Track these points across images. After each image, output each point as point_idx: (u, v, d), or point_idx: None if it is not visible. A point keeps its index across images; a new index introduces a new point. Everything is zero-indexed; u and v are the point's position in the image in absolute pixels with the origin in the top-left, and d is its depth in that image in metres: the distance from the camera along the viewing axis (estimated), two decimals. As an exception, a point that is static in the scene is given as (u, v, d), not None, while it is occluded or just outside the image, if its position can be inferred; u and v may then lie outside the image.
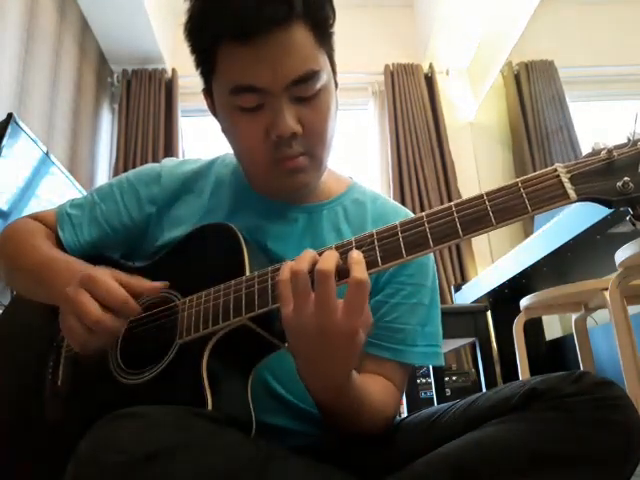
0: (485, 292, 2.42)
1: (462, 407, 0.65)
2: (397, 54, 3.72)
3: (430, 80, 3.67)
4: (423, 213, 0.57)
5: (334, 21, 0.72)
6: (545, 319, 2.86)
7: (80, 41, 3.01)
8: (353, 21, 3.64)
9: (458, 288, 2.78)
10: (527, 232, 2.53)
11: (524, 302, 1.87)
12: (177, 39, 3.42)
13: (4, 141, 1.76)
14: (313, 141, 0.71)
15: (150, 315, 0.69)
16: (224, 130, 0.77)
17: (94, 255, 0.82)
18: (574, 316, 1.94)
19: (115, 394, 0.66)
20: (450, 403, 0.68)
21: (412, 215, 0.84)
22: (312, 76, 0.68)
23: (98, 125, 3.29)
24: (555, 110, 3.54)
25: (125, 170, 2.92)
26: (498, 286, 2.27)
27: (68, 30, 2.84)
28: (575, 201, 0.52)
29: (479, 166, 3.56)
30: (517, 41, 3.20)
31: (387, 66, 3.64)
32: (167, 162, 0.88)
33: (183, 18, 0.70)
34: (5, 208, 1.85)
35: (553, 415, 0.55)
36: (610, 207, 0.52)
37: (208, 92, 0.76)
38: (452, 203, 0.56)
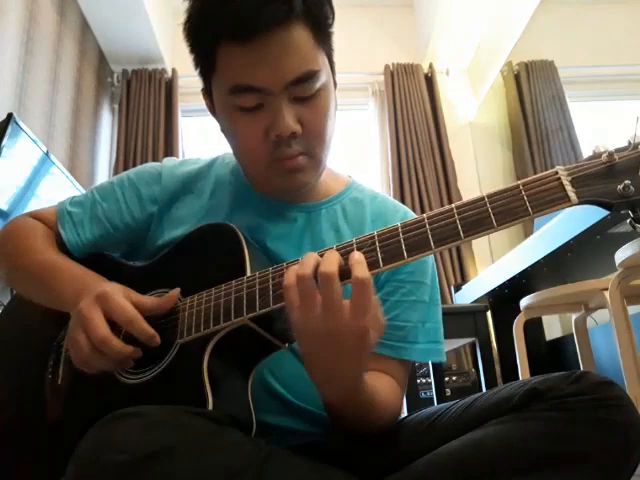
0: (485, 292, 2.42)
1: (462, 407, 0.65)
2: (397, 54, 3.71)
3: (430, 80, 3.67)
4: (424, 215, 0.57)
5: (333, 21, 0.72)
6: (545, 319, 2.86)
7: (80, 41, 3.01)
8: (353, 21, 3.65)
9: (458, 288, 2.79)
10: (527, 232, 2.52)
11: (524, 302, 1.87)
12: (177, 39, 3.42)
13: (4, 141, 1.76)
14: (312, 141, 0.71)
15: (150, 316, 0.69)
16: (223, 130, 0.77)
17: (95, 254, 0.82)
18: (574, 316, 1.94)
19: (115, 394, 0.66)
20: (450, 403, 0.68)
21: (411, 213, 0.85)
22: (312, 76, 0.68)
23: (98, 125, 3.28)
24: (555, 110, 3.54)
25: (125, 170, 2.92)
26: (498, 286, 2.27)
27: (68, 30, 2.84)
28: (576, 204, 0.52)
29: (479, 166, 3.56)
30: (517, 41, 3.20)
31: (387, 66, 3.64)
32: (167, 162, 0.88)
33: (183, 18, 0.71)
34: (5, 208, 1.85)
35: (553, 415, 0.55)
36: (611, 210, 0.53)
37: (207, 92, 0.76)
38: (453, 205, 0.56)
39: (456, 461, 0.56)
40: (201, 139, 3.71)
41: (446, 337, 0.81)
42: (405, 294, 0.77)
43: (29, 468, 0.70)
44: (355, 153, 3.76)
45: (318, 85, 0.69)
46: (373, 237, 0.58)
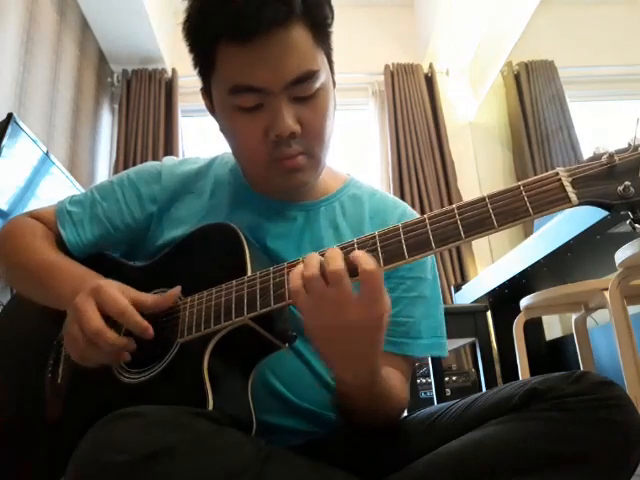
0: (485, 292, 2.42)
1: (462, 407, 0.65)
2: (397, 54, 3.71)
3: (430, 80, 3.67)
4: (425, 215, 0.58)
5: (332, 21, 0.72)
6: (545, 319, 2.86)
7: (80, 41, 3.01)
8: (353, 21, 3.64)
9: (458, 288, 2.78)
10: (527, 232, 2.52)
11: (524, 302, 1.87)
12: (177, 39, 3.40)
13: (4, 141, 1.76)
14: (312, 140, 0.72)
15: (151, 314, 0.69)
16: (222, 129, 0.77)
17: (95, 254, 0.82)
18: (574, 316, 1.94)
19: (115, 393, 0.66)
20: (450, 403, 0.68)
21: (410, 209, 0.86)
22: (311, 76, 0.68)
23: (98, 125, 3.28)
24: (555, 110, 3.54)
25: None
26: (498, 286, 2.27)
27: (68, 30, 2.84)
28: (576, 205, 0.53)
29: (479, 166, 3.56)
30: (517, 41, 3.19)
31: (387, 66, 3.64)
32: (167, 161, 0.88)
33: (183, 17, 0.71)
34: (5, 208, 1.85)
35: (553, 415, 0.55)
36: (611, 211, 0.53)
37: (206, 91, 0.76)
38: (454, 205, 0.56)
39: (456, 461, 0.56)
40: (201, 139, 3.71)
41: (446, 337, 0.82)
42: (406, 290, 0.78)
43: (29, 468, 0.70)
44: (355, 153, 3.76)
45: (317, 85, 0.69)
46: (374, 237, 0.58)
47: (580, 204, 0.53)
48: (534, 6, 2.97)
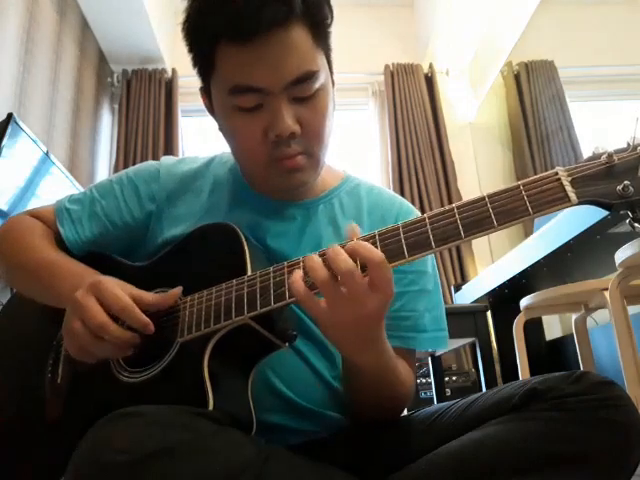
0: (485, 292, 2.42)
1: (462, 407, 0.65)
2: (397, 54, 3.71)
3: (430, 80, 3.67)
4: (425, 215, 0.58)
5: (332, 21, 0.72)
6: (545, 319, 2.86)
7: (80, 41, 3.01)
8: (353, 21, 3.64)
9: (458, 288, 2.78)
10: (527, 232, 2.52)
11: (524, 302, 1.88)
12: (177, 39, 3.40)
13: (4, 141, 1.76)
14: (311, 140, 0.72)
15: (151, 313, 0.69)
16: (221, 129, 0.77)
17: (95, 254, 0.82)
18: (574, 316, 1.94)
19: (115, 393, 0.66)
20: (450, 402, 0.68)
21: (407, 203, 0.86)
22: (311, 76, 0.68)
23: (98, 125, 3.28)
24: (555, 110, 3.54)
25: (125, 170, 2.90)
26: (498, 286, 2.27)
27: (68, 30, 2.84)
28: (576, 204, 0.53)
29: (479, 166, 3.56)
30: (517, 41, 3.19)
31: (387, 66, 3.64)
32: (165, 160, 0.88)
33: (183, 17, 0.71)
34: (5, 208, 1.85)
35: (553, 415, 0.55)
36: (610, 210, 0.53)
37: (206, 91, 0.76)
38: (454, 205, 0.57)
39: (456, 461, 0.56)
40: (201, 139, 3.71)
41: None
42: (408, 284, 0.78)
43: (29, 468, 0.70)
44: (355, 153, 3.76)
45: (317, 85, 0.70)
46: (374, 236, 0.58)
47: (579, 203, 0.53)
48: (534, 6, 2.97)
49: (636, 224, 0.52)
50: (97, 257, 0.81)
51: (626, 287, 1.41)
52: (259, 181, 0.81)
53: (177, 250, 0.75)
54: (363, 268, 0.55)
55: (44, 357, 0.75)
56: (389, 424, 0.72)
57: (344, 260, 0.54)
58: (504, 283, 2.21)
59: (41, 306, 0.75)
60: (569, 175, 0.54)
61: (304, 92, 0.69)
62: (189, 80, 3.34)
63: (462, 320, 1.98)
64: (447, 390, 2.55)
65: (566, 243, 1.68)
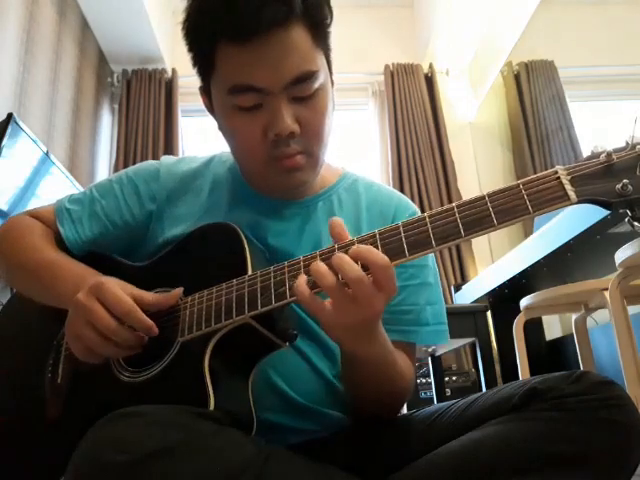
0: (485, 292, 2.42)
1: (462, 407, 0.65)
2: (397, 54, 3.71)
3: (430, 80, 3.67)
4: (425, 214, 0.58)
5: (331, 21, 0.72)
6: (545, 319, 2.86)
7: (80, 41, 3.01)
8: (353, 21, 3.64)
9: (458, 288, 2.78)
10: (527, 232, 2.52)
11: (524, 302, 1.87)
12: (177, 39, 3.40)
13: (4, 141, 1.76)
14: (310, 140, 0.72)
15: (152, 313, 0.69)
16: (221, 128, 0.77)
17: (95, 254, 0.82)
18: (574, 316, 1.94)
19: (116, 392, 0.66)
20: (450, 403, 0.68)
21: (405, 199, 0.87)
22: (310, 76, 0.68)
23: (98, 125, 3.28)
24: (555, 110, 3.54)
25: (125, 170, 2.91)
26: (498, 286, 2.27)
27: (68, 30, 2.84)
28: (575, 203, 0.53)
29: (479, 166, 3.56)
30: (517, 41, 3.19)
31: (387, 66, 3.64)
32: (165, 160, 0.89)
33: (182, 17, 0.71)
34: (5, 208, 1.85)
35: (553, 415, 0.55)
36: (609, 209, 0.53)
37: (205, 90, 0.76)
38: (454, 204, 0.57)
39: (456, 461, 0.57)
40: (201, 139, 3.71)
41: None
42: (408, 278, 0.78)
43: (29, 468, 0.70)
44: (355, 153, 3.76)
45: (316, 85, 0.70)
46: (374, 235, 0.58)
47: (579, 202, 0.53)
48: (534, 6, 2.97)
49: (635, 222, 0.52)
50: (97, 257, 0.81)
51: (626, 287, 1.41)
52: (258, 180, 0.81)
53: (177, 250, 0.75)
54: (365, 267, 0.55)
55: (44, 357, 0.75)
56: (389, 424, 0.72)
57: (350, 267, 0.55)
58: (504, 283, 2.21)
59: (41, 306, 0.75)
60: (568, 174, 0.54)
61: (303, 92, 0.69)
62: (189, 80, 3.34)
63: (462, 320, 1.98)
64: (447, 390, 2.55)
65: (566, 243, 1.68)
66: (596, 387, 0.56)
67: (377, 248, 0.57)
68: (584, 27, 3.50)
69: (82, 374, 0.70)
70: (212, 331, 0.63)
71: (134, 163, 3.18)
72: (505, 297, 2.39)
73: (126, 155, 3.26)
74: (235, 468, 0.49)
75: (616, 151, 0.54)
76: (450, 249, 3.23)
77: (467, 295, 2.62)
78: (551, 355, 2.79)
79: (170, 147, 3.33)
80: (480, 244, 3.24)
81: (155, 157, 3.23)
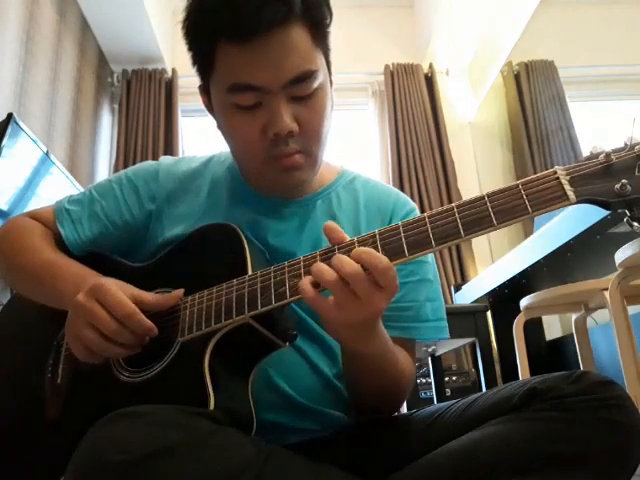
0: (485, 292, 2.42)
1: (462, 407, 0.65)
2: (397, 54, 3.71)
3: (430, 80, 3.67)
4: (425, 214, 0.58)
5: (331, 21, 0.73)
6: (545, 319, 2.86)
7: (80, 41, 3.01)
8: (353, 21, 3.64)
9: (458, 288, 2.78)
10: (527, 232, 2.52)
11: (524, 302, 1.87)
12: (177, 39, 3.42)
13: (4, 141, 1.76)
14: (309, 139, 0.72)
15: (152, 314, 0.69)
16: (220, 127, 0.78)
17: (95, 254, 0.82)
18: (574, 316, 1.94)
19: (116, 392, 0.66)
20: (450, 402, 0.68)
21: (403, 196, 0.87)
22: (309, 76, 0.69)
23: (98, 125, 3.28)
24: (555, 110, 3.54)
25: (125, 170, 2.90)
26: (498, 286, 2.27)
27: (68, 30, 2.84)
28: (574, 203, 0.53)
29: (479, 166, 3.56)
30: (517, 41, 3.19)
31: (387, 66, 3.64)
32: (164, 160, 0.89)
33: (182, 16, 0.71)
34: (5, 208, 1.85)
35: (553, 415, 0.55)
36: (608, 209, 0.53)
37: (204, 89, 0.77)
38: (454, 204, 0.57)
39: (456, 461, 0.56)
40: (201, 139, 3.71)
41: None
42: (407, 275, 0.78)
43: (29, 468, 0.70)
44: (355, 153, 3.76)
45: (316, 84, 0.70)
46: (374, 235, 0.59)
47: (578, 202, 0.53)
48: (534, 6, 2.97)
49: (634, 222, 0.53)
50: (97, 257, 0.81)
51: (626, 287, 1.41)
52: (257, 179, 0.81)
53: (177, 250, 0.75)
54: (365, 268, 0.56)
55: (44, 357, 0.75)
56: (389, 424, 0.72)
57: (349, 264, 0.55)
58: (504, 283, 2.21)
59: (41, 306, 0.75)
60: (568, 174, 0.54)
61: (303, 91, 0.69)
62: (189, 80, 3.34)
63: (462, 320, 1.98)
64: (447, 390, 2.55)
65: (566, 243, 1.68)
66: (596, 387, 0.55)
67: (377, 248, 0.57)
68: (584, 27, 3.50)
69: (82, 374, 0.70)
70: (212, 331, 0.63)
71: (134, 163, 3.18)
72: (505, 297, 2.39)
73: (126, 155, 3.26)
74: (235, 468, 0.49)
75: (615, 151, 0.54)
76: (450, 249, 3.23)
77: (467, 295, 2.62)
78: (551, 355, 2.79)
79: (170, 147, 3.33)
80: (480, 244, 3.24)
81: (155, 157, 3.23)
